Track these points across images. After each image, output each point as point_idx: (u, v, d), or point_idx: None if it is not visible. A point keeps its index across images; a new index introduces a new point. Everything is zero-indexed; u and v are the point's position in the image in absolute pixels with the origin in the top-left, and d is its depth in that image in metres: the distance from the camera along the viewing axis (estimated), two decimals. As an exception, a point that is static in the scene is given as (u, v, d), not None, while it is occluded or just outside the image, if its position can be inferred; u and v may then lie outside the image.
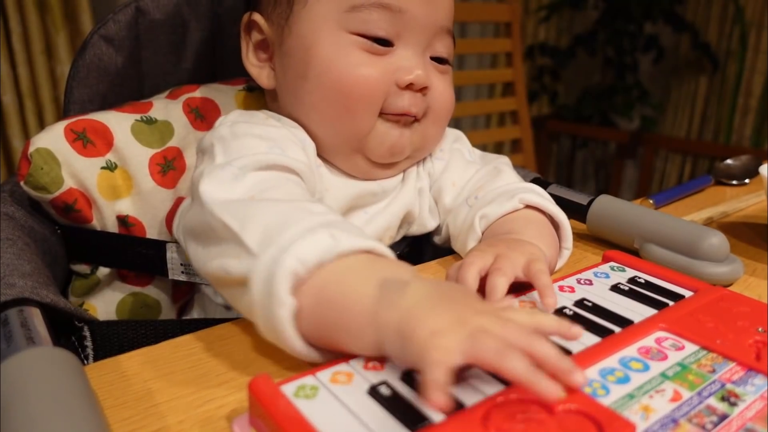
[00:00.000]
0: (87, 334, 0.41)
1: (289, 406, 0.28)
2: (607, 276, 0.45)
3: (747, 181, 0.83)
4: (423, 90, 0.49)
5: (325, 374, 0.31)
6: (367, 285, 0.32)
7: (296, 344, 0.32)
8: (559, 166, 2.88)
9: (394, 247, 0.55)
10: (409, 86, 0.48)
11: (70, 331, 0.41)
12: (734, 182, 0.83)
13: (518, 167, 0.67)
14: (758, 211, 0.70)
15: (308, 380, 0.30)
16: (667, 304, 0.40)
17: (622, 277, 0.45)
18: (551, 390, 0.26)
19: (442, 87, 0.51)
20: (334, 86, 0.47)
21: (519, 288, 0.41)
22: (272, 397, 0.28)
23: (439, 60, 0.51)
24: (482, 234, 0.50)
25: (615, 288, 0.43)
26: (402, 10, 0.47)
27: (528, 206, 0.50)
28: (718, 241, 0.49)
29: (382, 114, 0.49)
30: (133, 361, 0.36)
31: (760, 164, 0.81)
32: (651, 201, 0.72)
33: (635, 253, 0.53)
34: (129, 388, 0.33)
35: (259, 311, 0.33)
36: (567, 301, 0.40)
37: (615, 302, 0.40)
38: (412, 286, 0.31)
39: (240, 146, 0.44)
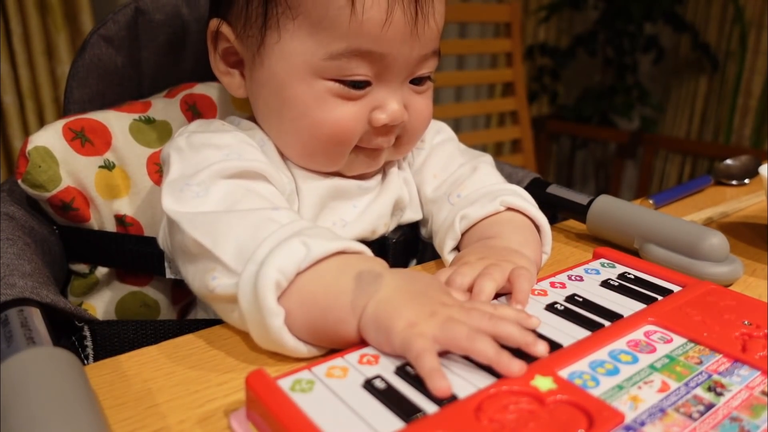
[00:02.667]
0: (87, 334, 0.41)
1: (286, 399, 0.28)
2: (598, 272, 0.45)
3: (747, 181, 0.83)
4: (398, 125, 0.48)
5: (320, 369, 0.31)
6: (345, 280, 0.35)
7: (293, 345, 0.35)
8: (559, 166, 2.88)
9: (389, 236, 0.55)
10: (384, 126, 0.47)
11: (70, 331, 0.41)
12: (734, 182, 0.83)
13: (518, 167, 0.67)
14: (758, 211, 0.70)
15: (304, 375, 0.30)
16: (655, 299, 0.41)
17: (612, 273, 0.45)
18: (515, 367, 0.30)
19: (419, 108, 0.50)
20: (310, 132, 0.47)
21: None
22: (269, 392, 0.28)
23: (419, 80, 0.49)
24: (461, 235, 0.49)
25: (605, 284, 0.43)
26: (383, 55, 0.44)
27: (510, 209, 0.49)
28: (718, 241, 0.49)
29: (356, 147, 0.48)
30: (133, 361, 0.36)
31: (760, 164, 0.81)
32: (651, 201, 0.72)
33: (635, 253, 0.53)
34: (129, 388, 0.33)
35: (253, 324, 0.36)
36: (558, 296, 0.41)
37: (605, 297, 0.41)
38: (385, 278, 0.35)
39: (196, 158, 0.44)
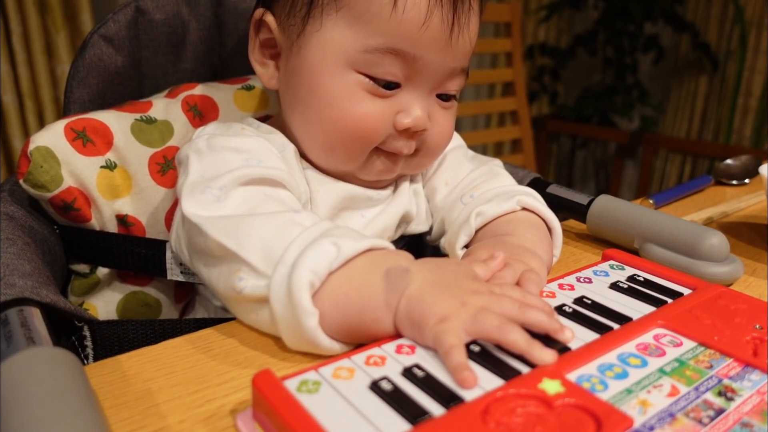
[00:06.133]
0: (87, 333, 0.41)
1: (292, 400, 0.28)
2: (607, 274, 0.45)
3: (747, 181, 0.83)
4: (420, 132, 0.49)
5: (327, 369, 0.31)
6: (374, 278, 0.35)
7: (329, 344, 0.35)
8: (559, 166, 2.88)
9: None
10: (406, 130, 0.48)
11: (70, 331, 0.41)
12: (734, 182, 0.83)
13: (518, 167, 0.67)
14: (758, 211, 0.70)
15: (311, 375, 0.30)
16: (665, 302, 0.40)
17: (621, 275, 0.45)
18: (547, 356, 0.31)
19: (442, 122, 0.50)
20: (334, 124, 0.47)
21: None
22: (276, 392, 0.28)
23: (445, 96, 0.50)
24: (475, 232, 0.50)
25: (614, 286, 0.43)
26: (416, 57, 0.45)
27: (525, 209, 0.50)
28: (718, 241, 0.49)
29: (376, 148, 0.48)
30: (133, 361, 0.36)
31: (760, 164, 0.81)
32: (651, 201, 0.72)
33: (635, 253, 0.53)
34: (129, 388, 0.33)
35: (285, 325, 0.36)
36: (566, 298, 0.40)
37: (614, 300, 0.40)
38: (412, 272, 0.36)
39: (216, 161, 0.44)
